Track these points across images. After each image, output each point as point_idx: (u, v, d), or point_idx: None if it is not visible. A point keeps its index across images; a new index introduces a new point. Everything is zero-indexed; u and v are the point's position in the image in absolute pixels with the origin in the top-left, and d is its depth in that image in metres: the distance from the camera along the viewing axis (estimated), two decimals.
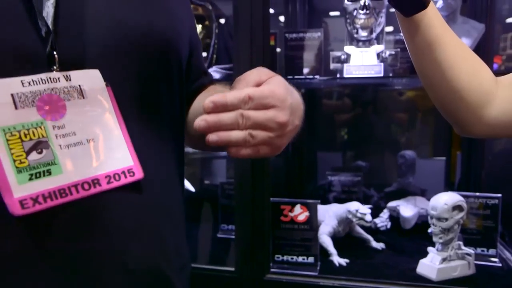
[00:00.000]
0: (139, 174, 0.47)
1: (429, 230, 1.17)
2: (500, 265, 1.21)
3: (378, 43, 1.31)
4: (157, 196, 0.53)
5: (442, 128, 1.73)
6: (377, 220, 1.48)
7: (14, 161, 0.41)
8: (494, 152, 1.61)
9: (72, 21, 0.45)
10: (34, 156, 0.42)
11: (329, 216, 1.34)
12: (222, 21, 1.62)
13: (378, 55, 1.28)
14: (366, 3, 1.23)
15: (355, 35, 1.28)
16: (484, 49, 1.34)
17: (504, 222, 1.27)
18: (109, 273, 0.47)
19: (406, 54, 0.78)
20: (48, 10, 0.44)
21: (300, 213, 1.20)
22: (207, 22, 1.55)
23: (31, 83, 0.42)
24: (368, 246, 1.35)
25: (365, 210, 1.28)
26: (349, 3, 1.28)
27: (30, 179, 0.41)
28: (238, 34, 1.11)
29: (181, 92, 0.61)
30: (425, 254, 1.17)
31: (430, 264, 1.13)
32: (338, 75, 1.34)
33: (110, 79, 0.47)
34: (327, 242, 1.28)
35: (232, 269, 1.20)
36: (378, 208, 1.54)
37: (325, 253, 1.26)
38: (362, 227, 1.37)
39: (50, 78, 0.43)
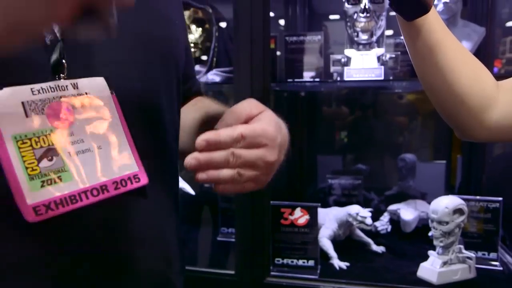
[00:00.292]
0: (144, 180, 0.48)
1: (430, 234, 1.17)
2: (501, 268, 1.21)
3: (379, 46, 1.31)
4: (160, 201, 0.54)
5: (443, 132, 1.73)
6: (377, 224, 1.47)
7: (26, 168, 0.41)
8: (494, 155, 1.61)
9: None
10: (45, 163, 0.42)
11: (329, 219, 1.34)
12: (223, 24, 1.62)
13: (379, 58, 1.28)
14: (367, 6, 1.23)
15: (356, 38, 1.28)
16: (484, 53, 1.34)
17: (505, 225, 1.26)
18: (115, 278, 0.48)
19: (407, 57, 0.78)
20: None
21: (300, 216, 1.20)
22: (207, 25, 1.55)
23: (41, 91, 0.43)
24: (369, 250, 1.35)
25: (365, 213, 1.28)
26: (349, 6, 1.28)
27: (42, 186, 0.41)
28: (238, 37, 1.11)
29: (179, 97, 0.62)
30: (425, 257, 1.16)
31: (431, 268, 1.13)
32: (338, 78, 1.34)
33: (115, 86, 0.48)
34: (327, 246, 1.27)
35: (232, 272, 1.20)
36: (378, 211, 1.54)
37: (325, 256, 1.26)
38: (363, 230, 1.37)
39: (58, 86, 0.44)
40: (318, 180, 1.84)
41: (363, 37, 1.27)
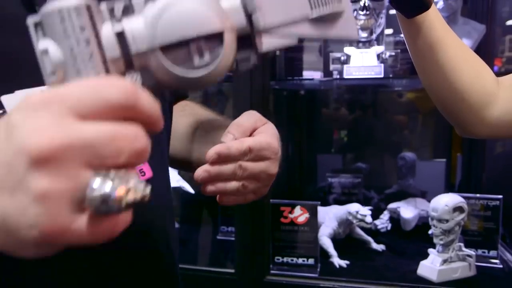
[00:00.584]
0: (149, 173, 0.49)
1: (430, 232, 1.17)
2: (501, 266, 1.21)
3: (378, 44, 1.31)
4: (162, 197, 0.55)
5: (443, 130, 1.73)
6: (377, 222, 1.47)
7: None
8: (494, 153, 1.61)
9: None
10: None
11: (329, 217, 1.34)
12: None
13: (378, 56, 1.28)
14: (366, 4, 1.23)
15: None
16: (484, 51, 1.34)
17: (505, 223, 1.26)
18: (119, 273, 0.48)
19: (407, 55, 0.78)
20: None
21: (300, 215, 1.20)
22: None
23: None
24: (369, 248, 1.35)
25: (365, 211, 1.27)
26: None
27: None
28: None
29: (171, 96, 0.63)
30: (425, 255, 1.16)
31: (431, 266, 1.13)
32: (338, 76, 1.34)
33: None
34: (327, 244, 1.27)
35: (232, 271, 1.20)
36: (378, 209, 1.53)
37: (325, 254, 1.26)
38: (363, 228, 1.37)
39: None
40: (318, 178, 1.84)
41: (363, 35, 1.27)
